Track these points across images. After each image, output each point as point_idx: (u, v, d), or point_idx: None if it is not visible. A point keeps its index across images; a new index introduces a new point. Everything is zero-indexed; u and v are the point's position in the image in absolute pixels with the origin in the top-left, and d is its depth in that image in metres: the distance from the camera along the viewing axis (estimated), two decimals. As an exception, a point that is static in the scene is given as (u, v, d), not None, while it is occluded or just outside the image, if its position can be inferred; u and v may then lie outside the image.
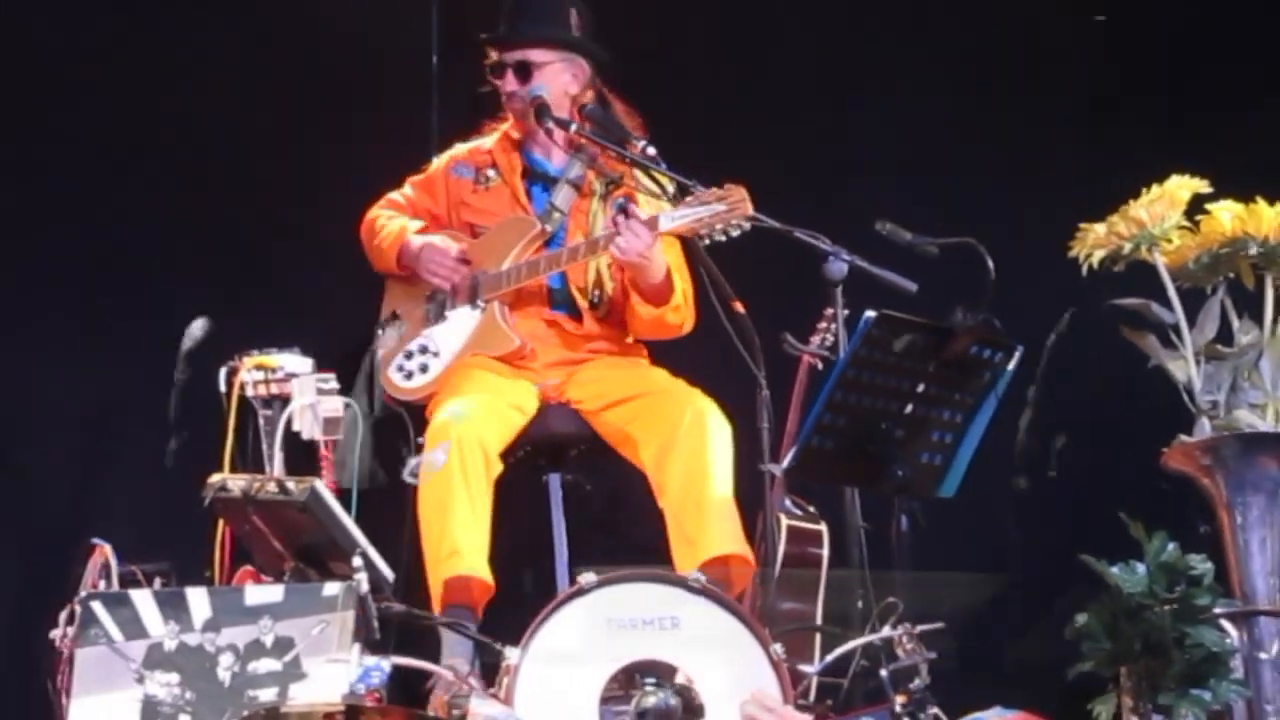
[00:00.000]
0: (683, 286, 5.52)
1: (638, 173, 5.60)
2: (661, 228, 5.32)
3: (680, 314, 5.52)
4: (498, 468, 5.23)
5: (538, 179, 5.76)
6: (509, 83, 5.65)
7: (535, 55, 5.65)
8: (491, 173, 5.76)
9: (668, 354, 5.67)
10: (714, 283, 5.34)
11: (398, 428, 5.53)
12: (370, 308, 5.81)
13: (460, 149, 5.90)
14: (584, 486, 5.69)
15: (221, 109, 6.66)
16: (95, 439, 6.31)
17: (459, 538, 5.11)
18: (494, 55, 5.70)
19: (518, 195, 5.72)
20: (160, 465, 6.09)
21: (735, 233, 5.26)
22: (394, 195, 5.89)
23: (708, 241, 5.27)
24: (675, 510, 5.24)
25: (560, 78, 5.65)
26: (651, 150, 5.55)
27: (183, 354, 5.63)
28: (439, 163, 5.89)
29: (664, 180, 5.53)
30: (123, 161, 6.57)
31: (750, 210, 5.23)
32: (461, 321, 5.62)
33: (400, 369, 5.63)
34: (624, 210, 5.50)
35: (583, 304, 5.62)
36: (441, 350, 5.61)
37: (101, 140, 6.53)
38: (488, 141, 5.84)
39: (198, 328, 5.56)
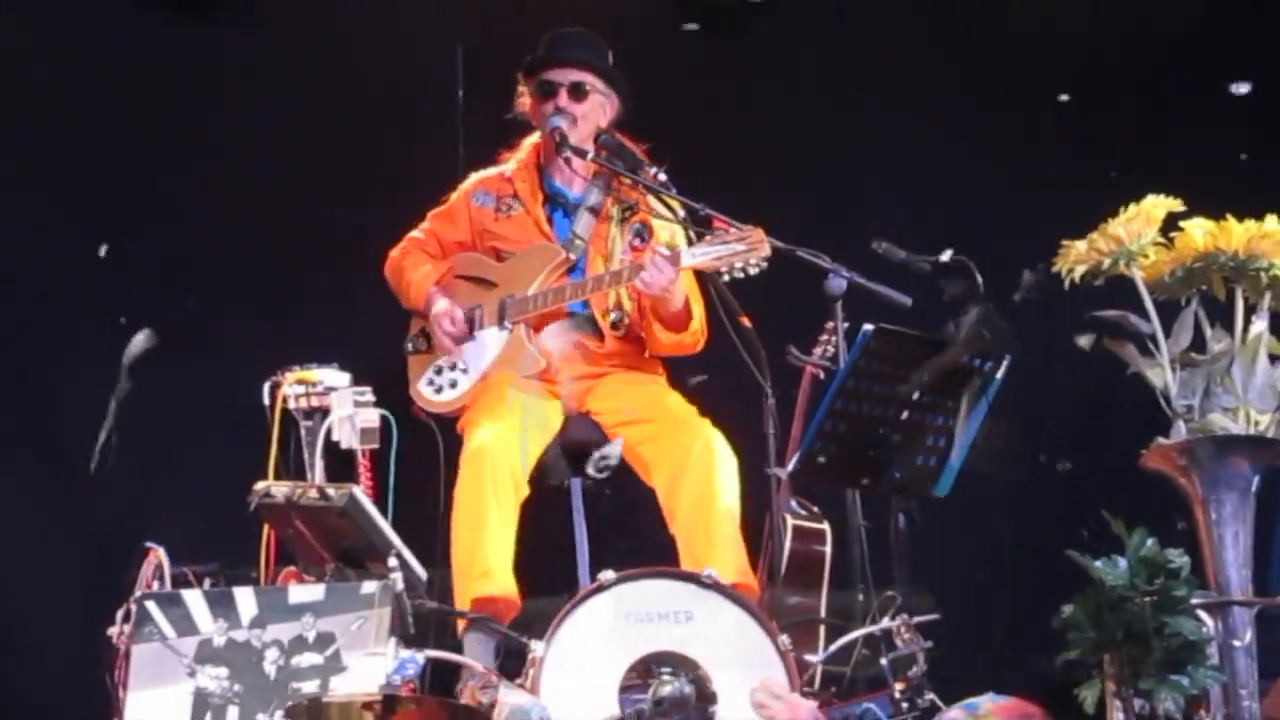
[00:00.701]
0: (698, 312, 5.53)
1: (651, 198, 5.60)
2: (684, 264, 5.31)
3: (695, 336, 5.52)
4: (525, 492, 5.24)
5: (558, 205, 5.74)
6: (561, 100, 5.60)
7: (589, 79, 5.63)
8: (513, 200, 5.73)
9: (683, 364, 5.68)
10: (722, 300, 5.35)
11: (428, 437, 5.54)
12: (402, 326, 5.81)
13: (477, 178, 5.87)
14: (603, 491, 5.69)
15: (272, 148, 6.67)
16: (149, 451, 6.31)
17: (491, 559, 5.10)
18: (539, 78, 5.67)
19: (539, 222, 5.70)
20: (210, 474, 6.12)
21: (753, 270, 5.25)
22: (415, 233, 5.85)
23: (727, 278, 5.26)
24: (685, 537, 5.22)
25: (598, 107, 5.65)
26: (663, 177, 5.57)
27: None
28: (459, 193, 5.85)
29: (675, 205, 5.54)
30: (183, 200, 6.59)
31: (768, 251, 5.19)
32: (489, 341, 5.61)
33: (430, 383, 5.63)
34: (640, 236, 5.53)
35: (604, 326, 5.61)
36: (470, 367, 5.60)
37: (163, 176, 6.56)
38: (506, 169, 5.81)
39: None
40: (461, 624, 5.09)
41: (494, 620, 5.02)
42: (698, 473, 5.23)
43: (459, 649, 4.92)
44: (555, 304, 5.55)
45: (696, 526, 5.19)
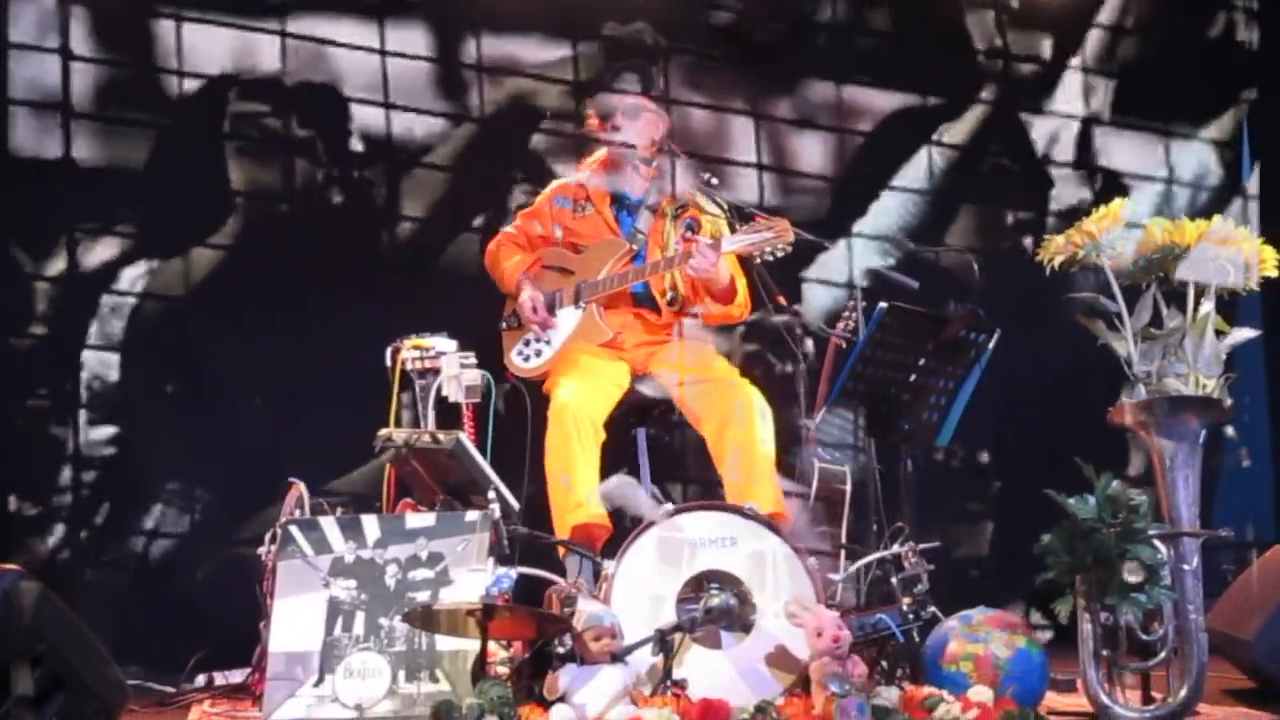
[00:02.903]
0: (742, 288, 5.54)
1: (700, 198, 5.63)
2: (723, 249, 5.33)
3: (741, 308, 5.54)
4: (602, 436, 5.23)
5: (623, 206, 5.75)
6: (618, 121, 5.65)
7: (641, 103, 5.70)
8: (586, 203, 5.74)
9: (730, 335, 5.67)
10: (763, 282, 5.36)
11: (519, 395, 5.57)
12: (498, 303, 5.84)
13: (557, 185, 5.89)
14: (664, 438, 5.70)
15: (390, 169, 6.70)
16: (295, 402, 6.32)
17: (582, 493, 5.10)
18: (604, 104, 5.73)
19: (608, 221, 5.72)
20: (342, 421, 6.14)
21: (780, 254, 5.27)
22: (508, 229, 5.89)
23: (759, 260, 5.29)
24: (730, 477, 5.22)
25: (651, 125, 5.68)
26: (715, 181, 5.60)
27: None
28: (542, 197, 5.88)
29: (721, 204, 5.58)
30: (327, 209, 6.60)
31: (791, 239, 5.23)
32: (567, 318, 5.64)
33: (520, 354, 5.66)
34: (691, 229, 5.55)
35: (662, 302, 5.63)
36: (552, 340, 5.63)
37: (315, 190, 6.57)
38: (580, 178, 5.83)
39: None
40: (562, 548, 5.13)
41: (585, 546, 5.05)
42: (741, 423, 5.23)
43: (544, 566, 4.94)
44: (621, 286, 5.58)
45: (740, 467, 5.19)
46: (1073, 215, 6.71)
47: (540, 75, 6.72)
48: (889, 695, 4.14)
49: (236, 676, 5.23)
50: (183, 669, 5.38)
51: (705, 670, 4.32)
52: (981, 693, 4.14)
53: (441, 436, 4.82)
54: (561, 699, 4.12)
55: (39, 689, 3.90)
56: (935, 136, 7.13)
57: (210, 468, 6.21)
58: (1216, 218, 4.35)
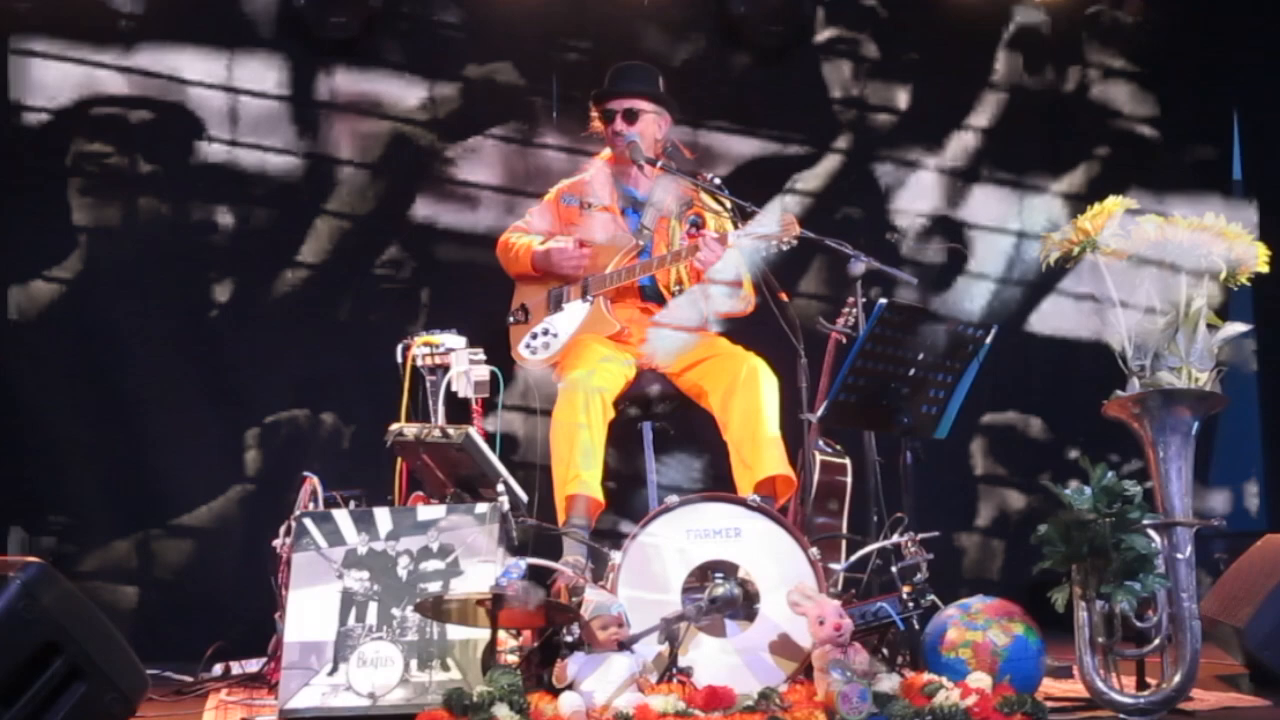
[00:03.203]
0: (747, 281, 5.56)
1: (704, 195, 5.65)
2: (730, 243, 5.36)
3: (746, 300, 5.57)
4: (611, 413, 5.28)
5: (628, 204, 5.77)
6: (618, 124, 5.68)
7: (640, 105, 5.69)
8: (593, 200, 5.80)
9: (734, 331, 5.68)
10: (765, 280, 5.38)
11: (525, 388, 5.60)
12: (505, 302, 5.86)
13: (566, 183, 5.91)
14: (669, 432, 5.71)
15: (394, 171, 6.70)
16: (308, 399, 6.34)
17: (580, 466, 5.14)
18: (603, 107, 5.74)
19: (615, 217, 5.75)
20: (354, 417, 6.15)
21: (786, 249, 5.29)
22: (518, 222, 5.92)
23: (766, 253, 5.31)
24: (735, 442, 5.26)
25: (652, 124, 5.70)
26: (718, 180, 5.63)
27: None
28: (550, 194, 5.90)
29: (725, 202, 5.59)
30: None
31: (798, 232, 5.25)
32: (575, 311, 5.65)
33: (528, 346, 5.67)
34: (696, 225, 5.57)
35: (668, 296, 5.65)
36: (560, 332, 5.64)
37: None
38: (587, 176, 5.85)
39: None
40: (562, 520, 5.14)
41: (583, 528, 5.08)
42: (746, 390, 5.28)
43: (551, 556, 4.96)
44: (628, 280, 5.60)
45: (744, 433, 5.24)
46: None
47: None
48: (890, 682, 4.16)
49: (253, 666, 5.25)
50: (198, 660, 5.41)
51: (710, 658, 4.33)
52: (980, 679, 4.16)
53: (451, 431, 4.84)
54: (570, 686, 4.14)
55: (60, 678, 3.93)
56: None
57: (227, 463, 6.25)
58: (1209, 214, 4.35)
